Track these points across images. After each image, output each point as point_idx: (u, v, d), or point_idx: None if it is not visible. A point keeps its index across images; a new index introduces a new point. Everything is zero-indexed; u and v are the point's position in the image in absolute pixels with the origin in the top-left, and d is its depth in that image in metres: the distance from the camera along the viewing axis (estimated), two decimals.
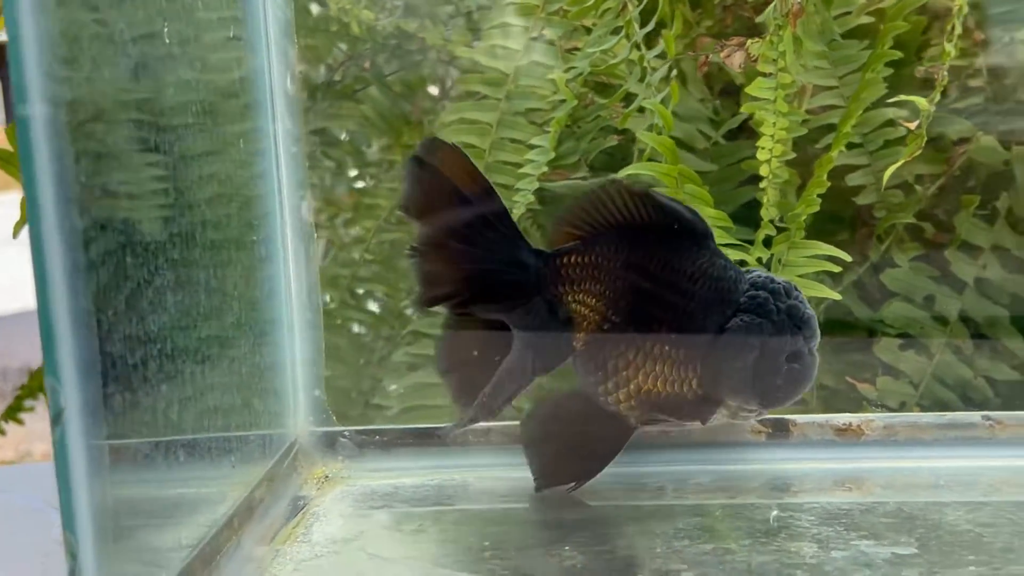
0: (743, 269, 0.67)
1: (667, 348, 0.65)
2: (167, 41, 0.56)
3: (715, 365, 0.64)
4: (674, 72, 0.88)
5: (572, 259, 0.67)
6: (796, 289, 0.66)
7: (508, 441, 0.76)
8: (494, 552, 0.62)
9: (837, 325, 0.91)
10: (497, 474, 0.74)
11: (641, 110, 0.87)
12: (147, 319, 0.51)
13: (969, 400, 0.96)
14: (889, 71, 0.89)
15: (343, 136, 1.17)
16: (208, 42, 0.64)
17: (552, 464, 0.69)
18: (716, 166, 0.92)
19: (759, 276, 0.66)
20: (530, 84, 0.97)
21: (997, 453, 0.73)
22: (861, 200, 0.94)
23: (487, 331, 0.69)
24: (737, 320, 0.64)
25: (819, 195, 0.83)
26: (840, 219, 0.99)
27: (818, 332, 0.66)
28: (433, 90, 1.15)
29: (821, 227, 0.98)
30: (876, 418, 0.73)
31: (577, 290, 0.66)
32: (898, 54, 0.79)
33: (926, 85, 1.00)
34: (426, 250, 0.67)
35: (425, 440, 0.76)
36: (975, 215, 0.92)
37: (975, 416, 0.74)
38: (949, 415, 0.74)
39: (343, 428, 0.76)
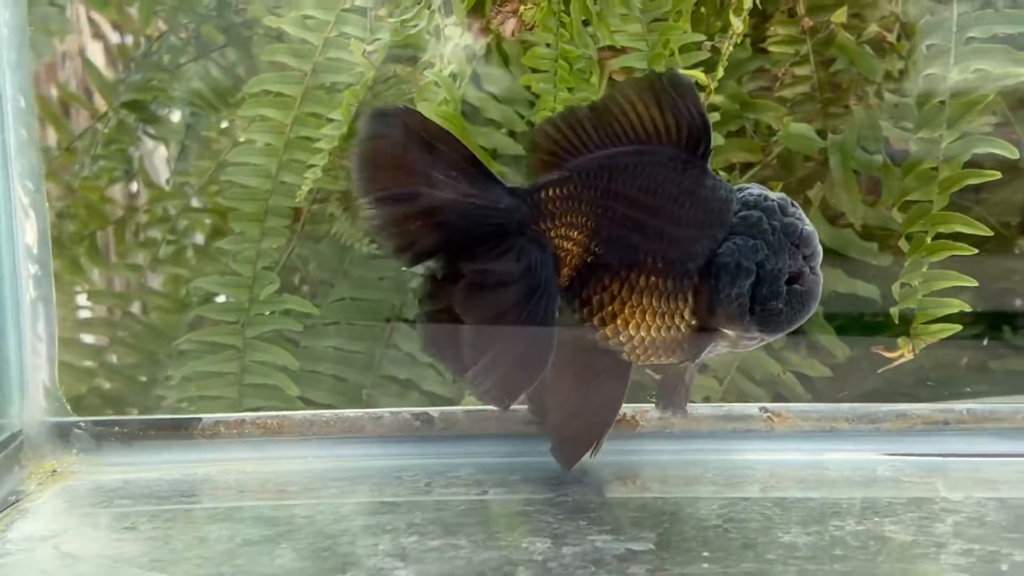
0: (736, 187, 0.62)
1: (653, 279, 0.61)
2: None
3: (707, 294, 0.60)
4: (480, 44, 0.83)
5: (552, 192, 0.62)
6: (793, 205, 0.62)
7: (264, 433, 0.70)
8: (200, 552, 0.56)
9: None
10: (247, 468, 0.68)
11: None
12: None
13: (781, 398, 0.93)
14: (707, 55, 0.86)
15: (158, 110, 1.10)
16: None
17: (569, 427, 0.65)
18: None
19: (751, 194, 0.62)
20: (339, 57, 0.92)
21: (774, 446, 0.70)
22: None
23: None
24: (729, 244, 0.60)
25: None
26: None
27: (820, 249, 0.61)
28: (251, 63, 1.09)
29: None
30: (651, 408, 0.69)
31: (560, 224, 0.62)
32: (685, 27, 0.75)
33: (761, 73, 0.98)
34: (395, 206, 0.61)
35: (171, 432, 0.70)
36: None
37: (752, 408, 0.70)
38: (726, 407, 0.71)
39: (78, 419, 0.69)
